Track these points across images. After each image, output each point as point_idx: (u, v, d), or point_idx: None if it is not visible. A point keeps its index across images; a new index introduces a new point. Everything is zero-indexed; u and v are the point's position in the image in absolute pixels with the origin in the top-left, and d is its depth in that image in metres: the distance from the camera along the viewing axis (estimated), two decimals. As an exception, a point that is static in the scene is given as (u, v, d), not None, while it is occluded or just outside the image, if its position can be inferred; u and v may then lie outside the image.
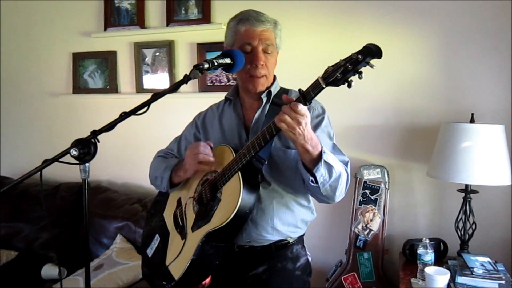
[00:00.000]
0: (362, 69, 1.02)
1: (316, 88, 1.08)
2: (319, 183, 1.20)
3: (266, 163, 1.30)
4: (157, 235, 1.56)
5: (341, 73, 1.02)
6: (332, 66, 1.05)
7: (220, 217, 1.27)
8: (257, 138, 1.21)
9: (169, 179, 1.47)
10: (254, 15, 1.36)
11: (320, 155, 1.18)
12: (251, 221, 1.33)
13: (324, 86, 1.06)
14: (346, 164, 1.33)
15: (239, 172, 1.26)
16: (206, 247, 1.31)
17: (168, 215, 1.56)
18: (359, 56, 0.99)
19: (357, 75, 1.02)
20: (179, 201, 1.52)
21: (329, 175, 1.21)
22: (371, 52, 0.99)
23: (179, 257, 1.39)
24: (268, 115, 1.38)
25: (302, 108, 1.10)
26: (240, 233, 1.34)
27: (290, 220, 1.39)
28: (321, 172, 1.19)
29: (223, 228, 1.24)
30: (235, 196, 1.23)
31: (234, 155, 1.29)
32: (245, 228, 1.33)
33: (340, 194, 1.29)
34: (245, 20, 1.36)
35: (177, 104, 2.62)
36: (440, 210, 2.22)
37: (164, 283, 1.40)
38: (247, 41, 1.35)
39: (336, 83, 1.04)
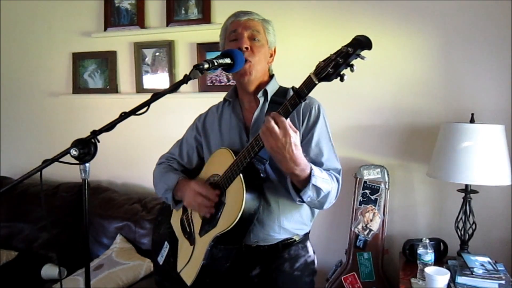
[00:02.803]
0: (354, 62, 1.01)
1: (309, 84, 1.07)
2: (306, 202, 1.23)
3: (267, 162, 1.30)
4: (166, 243, 1.56)
5: (332, 68, 1.02)
6: (324, 61, 1.05)
7: (226, 220, 1.26)
8: (256, 139, 1.21)
9: (172, 199, 1.48)
10: (241, 11, 1.40)
11: (309, 176, 1.17)
12: (258, 221, 1.33)
13: (316, 82, 1.06)
14: (338, 172, 1.33)
15: (241, 175, 1.26)
16: (215, 251, 1.31)
17: (175, 222, 1.56)
18: (349, 49, 0.99)
19: (349, 68, 1.01)
20: (185, 207, 1.52)
21: (317, 195, 1.22)
22: (361, 43, 0.98)
23: (190, 262, 1.39)
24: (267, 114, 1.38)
25: (286, 123, 1.10)
26: (248, 234, 1.34)
27: (297, 217, 1.39)
28: (308, 194, 1.20)
29: (230, 231, 1.24)
30: (239, 198, 1.23)
31: (234, 158, 1.29)
32: (252, 228, 1.33)
33: (328, 205, 1.31)
34: (232, 16, 1.41)
35: (177, 104, 2.62)
36: (440, 210, 2.22)
37: None
38: (233, 30, 1.38)
39: (328, 78, 1.03)
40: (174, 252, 1.50)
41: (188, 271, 1.39)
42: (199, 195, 1.34)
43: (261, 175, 1.28)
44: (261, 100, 1.40)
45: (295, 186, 1.23)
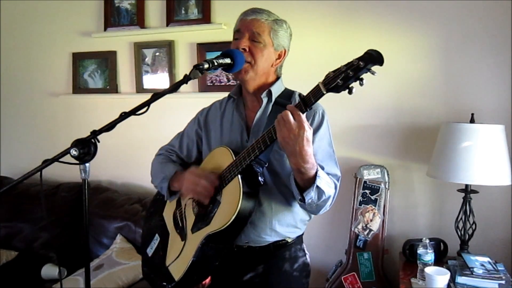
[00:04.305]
0: (363, 76, 1.01)
1: (316, 94, 1.08)
2: (306, 204, 1.22)
3: (266, 165, 1.29)
4: (156, 235, 1.56)
5: (342, 80, 1.01)
6: (333, 71, 1.05)
7: (220, 220, 1.26)
8: (257, 142, 1.21)
9: (168, 189, 1.48)
10: (253, 9, 1.38)
11: (314, 177, 1.17)
12: (249, 223, 1.32)
13: (325, 92, 1.06)
14: (337, 179, 1.32)
15: (239, 176, 1.25)
16: (205, 249, 1.31)
17: (167, 215, 1.55)
18: (361, 63, 0.99)
19: (358, 82, 1.01)
20: (178, 202, 1.52)
21: (318, 198, 1.21)
22: (373, 58, 0.98)
23: (179, 258, 1.39)
24: (270, 116, 1.36)
25: (302, 117, 1.10)
26: (239, 234, 1.34)
27: (289, 220, 1.38)
28: (310, 195, 1.19)
29: (223, 231, 1.24)
30: (235, 199, 1.23)
31: (234, 158, 1.28)
32: (244, 229, 1.33)
33: (323, 211, 1.30)
34: (242, 13, 1.39)
35: (177, 104, 2.62)
36: (440, 210, 2.22)
37: (164, 283, 1.40)
38: (237, 28, 1.37)
39: (337, 89, 1.04)
40: (164, 245, 1.49)
41: (177, 266, 1.38)
42: (200, 177, 1.33)
43: (260, 178, 1.27)
44: (265, 100, 1.39)
45: (298, 185, 1.22)
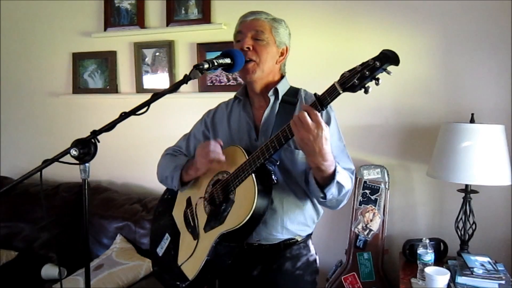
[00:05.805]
0: (379, 75, 1.02)
1: (332, 93, 1.08)
2: (327, 200, 1.23)
3: (278, 163, 1.30)
4: (167, 234, 1.56)
5: (358, 79, 1.03)
6: (348, 71, 1.05)
7: (235, 218, 1.26)
8: (271, 141, 1.21)
9: (179, 178, 1.47)
10: (250, 11, 1.40)
11: (333, 173, 1.18)
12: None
13: (341, 91, 1.06)
14: (352, 173, 1.34)
15: (253, 174, 1.26)
16: (219, 247, 1.31)
17: (177, 215, 1.55)
18: (377, 63, 1.00)
19: (374, 81, 1.03)
20: (188, 201, 1.51)
21: (339, 192, 1.23)
22: (388, 58, 1.00)
23: (192, 257, 1.39)
24: (278, 114, 1.38)
25: (319, 117, 1.09)
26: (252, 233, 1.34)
27: (300, 218, 1.40)
28: (331, 191, 1.21)
29: (237, 229, 1.24)
30: (250, 198, 1.23)
31: (247, 156, 1.29)
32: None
33: (342, 205, 1.33)
34: (241, 16, 1.41)
35: (177, 104, 2.62)
36: (440, 210, 2.22)
37: (178, 283, 1.40)
38: (239, 30, 1.39)
39: (353, 88, 1.05)
40: (175, 245, 1.49)
41: (191, 265, 1.38)
42: (206, 145, 1.34)
43: (273, 177, 1.28)
44: (272, 99, 1.40)
45: (318, 183, 1.23)
